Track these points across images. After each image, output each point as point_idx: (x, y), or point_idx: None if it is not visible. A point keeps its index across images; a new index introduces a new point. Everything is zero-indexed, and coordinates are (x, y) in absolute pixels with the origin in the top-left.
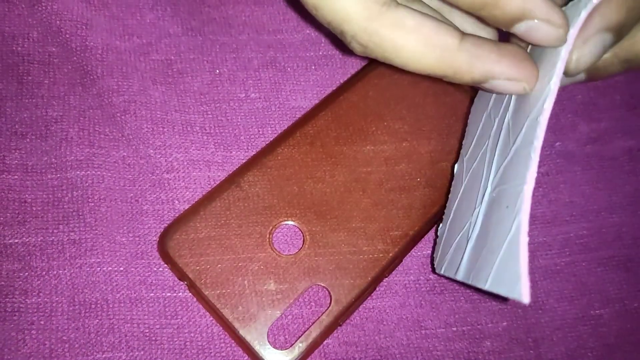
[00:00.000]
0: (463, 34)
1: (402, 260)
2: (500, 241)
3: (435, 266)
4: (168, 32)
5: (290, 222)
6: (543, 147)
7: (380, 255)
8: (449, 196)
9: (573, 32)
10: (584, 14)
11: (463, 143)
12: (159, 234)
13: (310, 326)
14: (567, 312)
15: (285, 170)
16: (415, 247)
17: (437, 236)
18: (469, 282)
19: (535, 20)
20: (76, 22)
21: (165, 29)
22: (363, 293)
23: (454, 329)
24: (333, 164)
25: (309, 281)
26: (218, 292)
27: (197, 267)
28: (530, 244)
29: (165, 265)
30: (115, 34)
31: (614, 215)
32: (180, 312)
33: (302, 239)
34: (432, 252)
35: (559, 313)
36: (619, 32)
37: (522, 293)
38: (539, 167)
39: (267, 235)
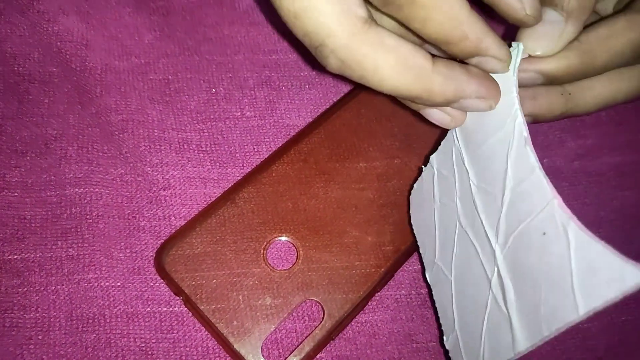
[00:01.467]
0: (434, 57)
1: (393, 275)
2: (561, 264)
3: None
4: (165, 52)
5: (284, 238)
6: None
7: (373, 270)
8: (438, 307)
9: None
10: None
11: (422, 252)
12: (156, 249)
13: (303, 340)
14: None
15: (279, 187)
16: (406, 262)
17: (446, 349)
18: (548, 334)
19: (486, 57)
20: (76, 43)
21: (162, 49)
22: (355, 307)
23: None
24: (326, 181)
25: (302, 296)
26: (213, 307)
27: (193, 283)
28: None
29: (162, 280)
30: (113, 54)
31: (601, 229)
32: (176, 326)
33: (295, 255)
34: None
35: None
36: (550, 80)
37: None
38: None
39: (262, 251)
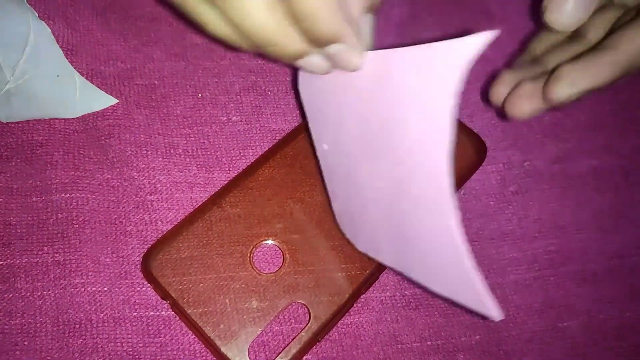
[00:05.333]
0: None
1: (378, 277)
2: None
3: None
4: (152, 57)
5: (270, 242)
6: (513, 166)
7: (358, 272)
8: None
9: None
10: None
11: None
12: (143, 254)
13: (290, 342)
14: (537, 325)
15: (265, 191)
16: None
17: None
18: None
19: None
20: (62, 48)
21: (149, 54)
22: (341, 309)
23: (429, 342)
24: (312, 185)
25: (288, 298)
26: (200, 310)
27: (180, 287)
28: (501, 259)
29: (149, 284)
30: (99, 59)
31: (580, 231)
32: (163, 330)
33: (282, 258)
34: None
35: (529, 326)
36: None
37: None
38: (509, 186)
39: (248, 255)
